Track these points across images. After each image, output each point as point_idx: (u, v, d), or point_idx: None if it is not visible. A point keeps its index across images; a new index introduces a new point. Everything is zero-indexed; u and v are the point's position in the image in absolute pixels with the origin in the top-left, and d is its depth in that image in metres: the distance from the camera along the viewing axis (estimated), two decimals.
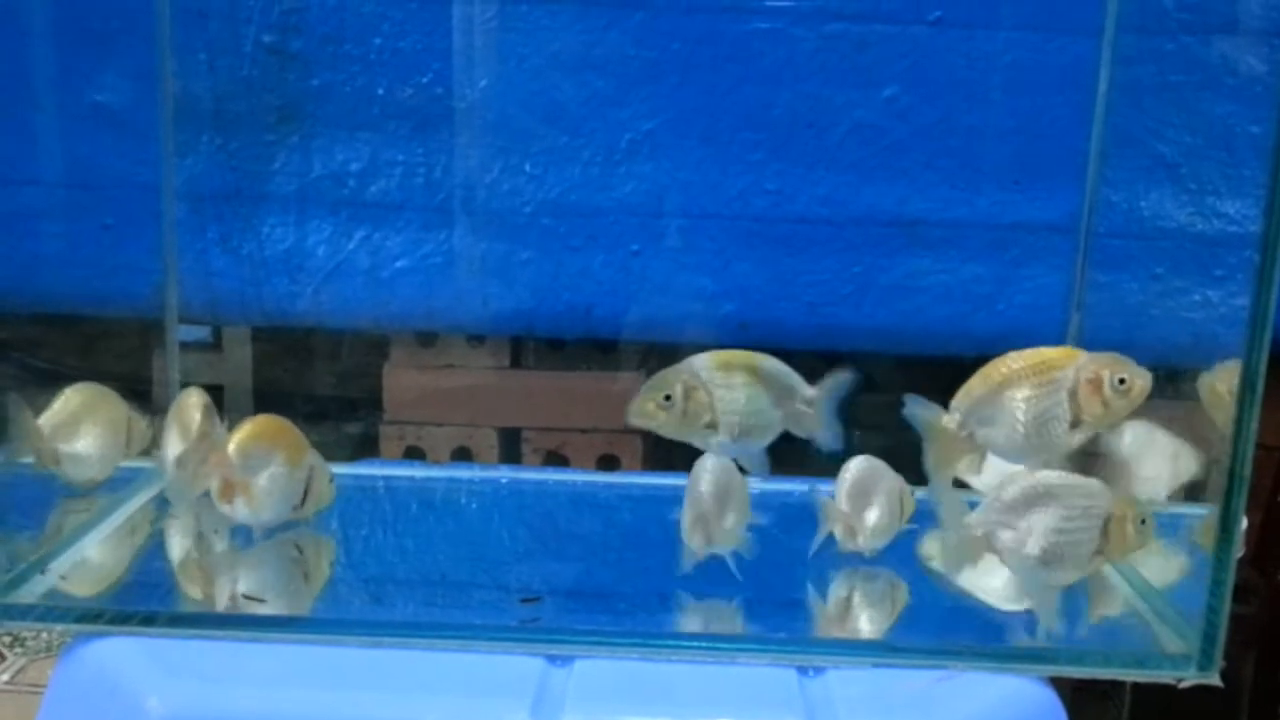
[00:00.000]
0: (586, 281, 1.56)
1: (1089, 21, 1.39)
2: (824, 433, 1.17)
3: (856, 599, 1.18)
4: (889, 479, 1.22)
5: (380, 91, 1.51)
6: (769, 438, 1.16)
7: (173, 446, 1.28)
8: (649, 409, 1.13)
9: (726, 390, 1.13)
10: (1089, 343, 1.39)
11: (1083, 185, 1.40)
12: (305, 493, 1.19)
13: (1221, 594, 0.99)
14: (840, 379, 1.18)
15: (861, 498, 1.21)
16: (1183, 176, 1.45)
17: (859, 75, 1.49)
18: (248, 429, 1.16)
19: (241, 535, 1.19)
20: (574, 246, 1.55)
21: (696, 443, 1.16)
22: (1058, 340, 1.43)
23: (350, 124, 1.52)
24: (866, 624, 1.15)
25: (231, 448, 1.14)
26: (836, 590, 1.19)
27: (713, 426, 1.14)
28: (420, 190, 1.54)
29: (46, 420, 1.24)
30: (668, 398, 1.12)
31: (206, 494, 1.18)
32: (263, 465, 1.15)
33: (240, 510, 1.15)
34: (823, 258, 1.54)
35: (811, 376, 1.61)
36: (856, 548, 1.20)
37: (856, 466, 1.22)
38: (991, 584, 1.16)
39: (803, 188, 1.52)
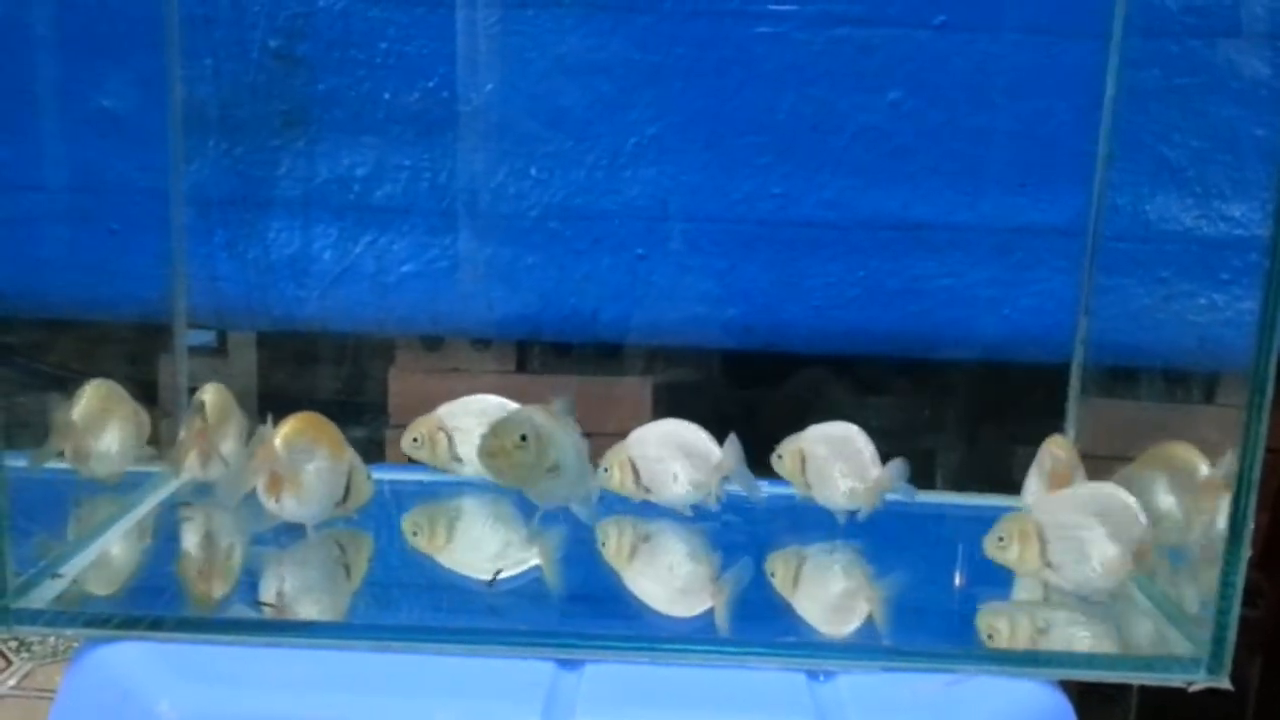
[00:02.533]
0: (592, 285, 1.56)
1: (1093, 25, 1.39)
2: None
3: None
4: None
5: (386, 96, 1.51)
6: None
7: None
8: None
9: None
10: (1096, 347, 1.40)
11: (1087, 188, 1.41)
12: (347, 489, 1.20)
13: (1231, 597, 0.99)
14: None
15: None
16: (1188, 180, 1.45)
17: (864, 79, 1.49)
18: (292, 425, 1.16)
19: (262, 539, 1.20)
20: (579, 250, 1.55)
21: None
22: (1062, 342, 1.43)
23: (356, 129, 1.52)
24: None
25: (277, 442, 1.14)
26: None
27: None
28: (426, 195, 1.54)
29: (76, 417, 1.25)
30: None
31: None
32: (307, 460, 1.16)
33: (287, 505, 1.15)
34: (828, 261, 1.54)
35: (816, 382, 1.62)
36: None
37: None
38: None
39: (808, 191, 1.52)
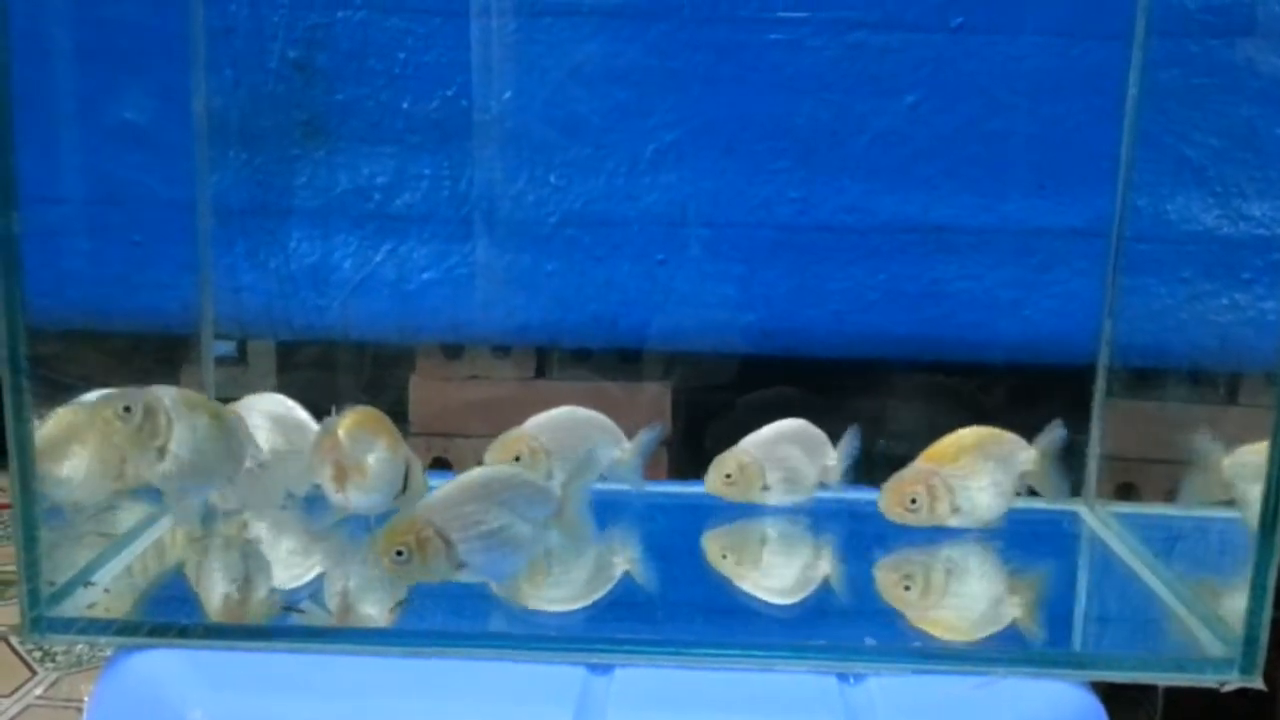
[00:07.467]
0: (611, 291, 1.56)
1: (1111, 26, 1.39)
2: None
3: None
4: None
5: (404, 105, 1.52)
6: None
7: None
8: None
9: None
10: (1119, 348, 1.40)
11: (1107, 190, 1.40)
12: (405, 482, 1.21)
13: (1263, 597, 0.99)
14: None
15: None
16: (1209, 180, 1.45)
17: (881, 83, 1.49)
18: (352, 418, 1.17)
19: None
20: (599, 257, 1.55)
21: None
22: (1083, 344, 1.43)
23: (375, 138, 1.53)
24: None
25: (341, 433, 1.15)
26: None
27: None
28: (445, 202, 1.54)
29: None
30: None
31: None
32: (369, 451, 1.17)
33: (353, 496, 1.16)
34: (847, 265, 1.54)
35: (835, 386, 1.62)
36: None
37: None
38: None
39: (827, 196, 1.53)
